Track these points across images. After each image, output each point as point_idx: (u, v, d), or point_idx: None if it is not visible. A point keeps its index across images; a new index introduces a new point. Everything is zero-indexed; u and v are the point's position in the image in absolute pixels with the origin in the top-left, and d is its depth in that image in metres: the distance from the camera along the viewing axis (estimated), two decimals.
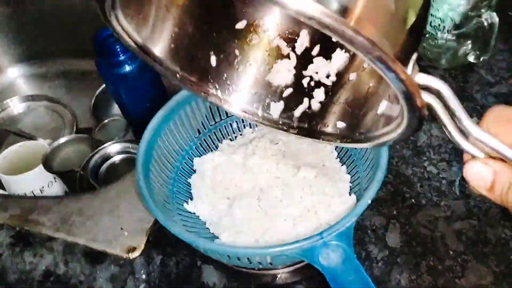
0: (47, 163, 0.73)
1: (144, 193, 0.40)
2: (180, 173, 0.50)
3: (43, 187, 0.73)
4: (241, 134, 0.54)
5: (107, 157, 0.72)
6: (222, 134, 0.54)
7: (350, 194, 0.46)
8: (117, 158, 0.72)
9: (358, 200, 0.44)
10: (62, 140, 0.77)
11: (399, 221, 0.50)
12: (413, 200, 0.52)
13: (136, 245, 0.51)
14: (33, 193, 0.71)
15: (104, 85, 0.88)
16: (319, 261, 0.34)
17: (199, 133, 0.52)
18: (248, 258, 0.38)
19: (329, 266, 0.34)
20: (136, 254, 0.50)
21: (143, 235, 0.52)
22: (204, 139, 0.53)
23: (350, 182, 0.47)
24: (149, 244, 0.51)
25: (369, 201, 0.36)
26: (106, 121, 0.82)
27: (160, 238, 0.51)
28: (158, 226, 0.52)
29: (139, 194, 0.54)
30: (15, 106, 0.93)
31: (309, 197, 0.44)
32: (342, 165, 0.49)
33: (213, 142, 0.53)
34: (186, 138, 0.51)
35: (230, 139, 0.54)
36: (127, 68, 0.65)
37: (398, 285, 0.45)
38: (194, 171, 0.51)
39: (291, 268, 0.45)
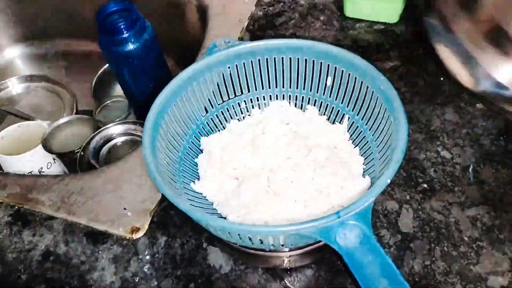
0: (47, 143, 0.71)
1: (152, 169, 0.38)
2: (186, 152, 0.48)
3: (42, 168, 0.71)
4: (249, 115, 0.53)
5: (108, 139, 0.70)
6: (230, 113, 0.52)
7: (363, 176, 0.44)
8: (119, 140, 0.70)
9: (372, 182, 0.43)
10: (62, 120, 0.75)
11: (412, 206, 0.49)
12: (426, 185, 0.50)
13: (140, 226, 0.49)
14: (32, 174, 0.69)
15: (105, 66, 0.86)
16: (336, 240, 0.33)
17: (206, 111, 0.50)
18: (260, 238, 0.36)
19: (346, 246, 0.33)
20: (139, 234, 0.49)
21: (147, 216, 0.50)
22: (211, 118, 0.51)
23: (363, 164, 0.46)
24: (153, 225, 0.49)
25: (388, 181, 0.35)
26: (107, 102, 0.80)
27: (164, 219, 0.50)
28: (162, 206, 0.51)
29: (143, 173, 0.53)
30: (14, 86, 0.91)
31: (321, 179, 0.43)
32: (355, 147, 0.47)
33: (220, 122, 0.52)
34: (193, 116, 0.49)
35: (238, 120, 0.52)
36: (131, 46, 0.63)
37: (411, 271, 0.44)
38: (201, 150, 0.50)
39: (301, 251, 0.43)
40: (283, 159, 0.45)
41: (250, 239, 0.37)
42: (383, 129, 0.43)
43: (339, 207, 0.42)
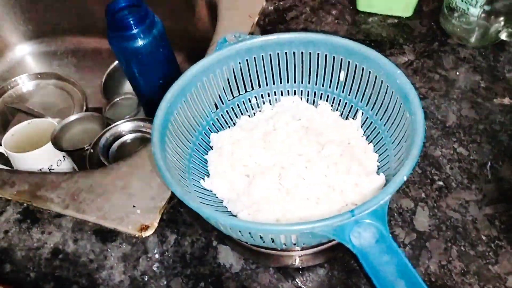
0: (56, 141, 0.71)
1: (161, 165, 0.37)
2: (196, 149, 0.47)
3: (52, 166, 0.71)
4: (260, 111, 0.52)
5: (118, 136, 0.70)
6: (240, 109, 0.51)
7: (378, 173, 0.43)
8: (128, 137, 0.70)
9: (387, 180, 0.42)
10: (72, 118, 0.75)
11: (428, 204, 0.47)
12: (442, 183, 0.49)
13: (149, 224, 0.49)
14: (41, 171, 0.69)
15: (115, 63, 0.85)
16: (350, 240, 0.32)
17: (216, 108, 0.49)
18: (271, 237, 0.35)
19: (361, 246, 0.31)
20: (149, 232, 0.48)
21: (156, 213, 0.49)
22: (221, 115, 0.50)
23: (377, 161, 0.44)
24: (162, 223, 0.49)
25: (405, 178, 0.34)
26: (117, 99, 0.80)
27: (174, 217, 0.49)
28: (172, 204, 0.50)
29: (152, 170, 0.52)
30: (24, 84, 0.91)
31: (334, 176, 0.42)
32: (369, 143, 0.46)
33: (230, 118, 0.51)
34: (203, 113, 0.48)
35: (249, 116, 0.51)
36: (140, 42, 0.62)
37: (427, 271, 0.43)
38: (211, 147, 0.49)
39: (313, 250, 0.42)
40: (295, 156, 0.44)
41: (261, 237, 0.36)
42: (398, 124, 0.42)
43: (353, 205, 0.40)
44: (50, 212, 0.51)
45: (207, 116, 0.49)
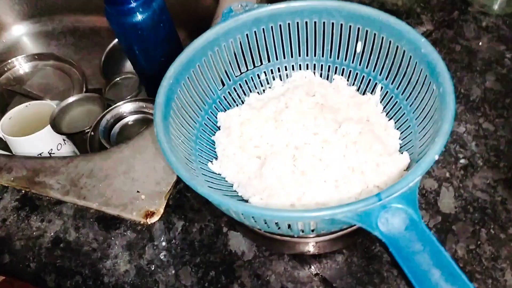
0: (56, 124, 0.68)
1: (165, 148, 0.34)
2: (202, 129, 0.44)
3: (52, 150, 0.68)
4: (270, 87, 0.48)
5: (119, 117, 0.66)
6: (248, 86, 0.47)
7: (401, 152, 0.40)
8: (130, 119, 0.67)
9: (411, 159, 0.38)
10: (71, 99, 0.72)
11: (453, 184, 0.44)
12: (467, 161, 0.45)
13: (155, 210, 0.46)
14: (40, 156, 0.66)
15: (114, 42, 0.81)
16: (377, 226, 0.28)
17: (223, 84, 0.46)
18: (288, 223, 0.32)
19: (390, 232, 0.28)
20: (154, 219, 0.45)
21: (161, 199, 0.46)
22: (228, 92, 0.46)
23: (399, 139, 0.41)
24: (168, 209, 0.46)
25: (436, 157, 0.30)
26: (117, 79, 0.76)
27: (181, 202, 0.46)
28: (178, 188, 0.47)
29: (156, 153, 0.49)
30: (21, 65, 0.88)
31: (354, 156, 0.38)
32: (389, 120, 0.43)
33: (238, 96, 0.47)
34: (209, 90, 0.45)
35: (258, 93, 0.48)
36: (139, 16, 0.58)
37: (455, 256, 0.40)
38: (218, 127, 0.45)
39: (331, 236, 0.39)
40: (310, 135, 0.40)
41: (277, 224, 0.33)
42: (423, 98, 0.38)
43: (374, 187, 0.37)
44: (49, 199, 0.48)
45: (213, 94, 0.45)
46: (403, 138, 0.41)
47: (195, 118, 0.43)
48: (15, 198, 0.49)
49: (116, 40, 0.80)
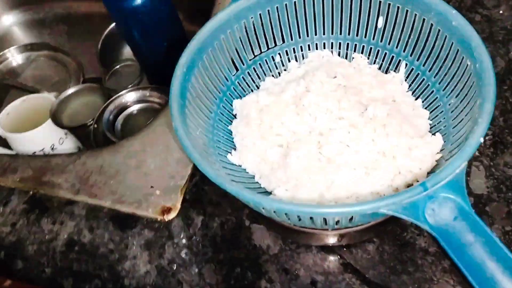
0: (56, 117, 0.65)
1: (187, 144, 0.32)
2: (218, 119, 0.41)
3: (53, 145, 0.65)
4: (285, 69, 0.45)
5: (123, 108, 0.64)
6: (263, 70, 0.45)
7: (433, 133, 0.37)
8: (134, 108, 0.64)
9: (444, 141, 0.36)
10: (70, 91, 0.69)
11: (483, 163, 0.42)
12: (496, 138, 0.43)
13: (171, 205, 0.43)
14: (44, 152, 0.63)
15: (110, 27, 0.77)
16: (425, 219, 0.26)
17: (237, 69, 0.43)
18: (324, 218, 0.30)
19: (438, 224, 0.26)
20: (172, 215, 0.43)
21: (177, 193, 0.44)
22: (242, 77, 0.44)
23: (429, 119, 0.39)
24: (186, 204, 0.44)
25: (482, 140, 0.28)
26: (117, 67, 0.73)
27: (198, 196, 0.44)
28: (194, 182, 0.45)
29: (168, 145, 0.47)
30: (14, 57, 0.84)
31: (384, 140, 0.36)
32: (416, 99, 0.40)
33: (253, 80, 0.44)
34: (222, 76, 0.42)
35: (274, 76, 0.45)
36: (138, 0, 0.55)
37: None
38: (234, 116, 0.43)
39: (360, 227, 0.37)
40: (335, 120, 0.38)
41: (311, 219, 0.31)
42: (454, 74, 0.36)
43: (408, 172, 0.35)
44: (59, 199, 0.46)
45: (227, 80, 0.42)
46: (433, 119, 0.39)
47: (210, 107, 0.40)
48: (23, 200, 0.47)
49: (112, 25, 0.76)
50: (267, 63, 0.44)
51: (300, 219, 0.31)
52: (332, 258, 0.39)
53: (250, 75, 0.44)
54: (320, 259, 0.39)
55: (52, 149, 0.65)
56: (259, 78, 0.45)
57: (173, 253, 0.41)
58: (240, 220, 0.42)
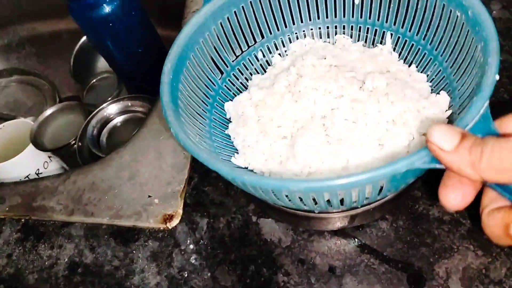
0: (37, 141, 0.63)
1: (192, 148, 0.30)
2: (213, 125, 0.39)
3: (38, 170, 0.63)
4: (269, 65, 0.44)
5: (106, 121, 0.62)
6: (248, 70, 0.43)
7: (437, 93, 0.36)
8: (117, 120, 0.62)
9: (451, 97, 0.35)
10: (48, 112, 0.66)
11: None
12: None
13: (173, 212, 0.42)
14: (29, 179, 0.61)
15: (80, 42, 0.75)
16: None
17: (222, 73, 0.41)
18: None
19: None
20: (175, 222, 0.41)
21: (177, 199, 0.42)
22: (229, 80, 0.42)
23: (428, 81, 0.38)
24: (188, 208, 0.42)
25: (497, 77, 0.27)
26: (93, 81, 0.71)
27: (199, 199, 0.42)
28: (193, 185, 0.43)
29: (159, 152, 0.45)
30: None
31: (390, 108, 0.35)
32: (409, 66, 0.39)
33: (241, 82, 0.43)
34: (209, 81, 0.40)
35: (260, 73, 0.44)
36: (107, 9, 0.54)
37: None
38: (229, 120, 0.41)
39: (370, 206, 0.36)
40: (335, 99, 0.37)
41: (341, 200, 0.29)
42: (445, 31, 0.35)
43: (422, 136, 0.34)
44: (54, 222, 0.44)
45: (214, 84, 0.41)
46: (431, 80, 0.38)
47: (203, 114, 0.38)
48: (16, 229, 0.44)
49: (82, 40, 0.74)
50: (251, 62, 0.43)
51: (321, 201, 0.29)
52: (346, 241, 0.38)
53: (236, 77, 0.42)
54: (334, 244, 0.38)
55: (38, 174, 0.63)
56: (246, 79, 0.43)
57: (182, 260, 0.39)
58: (247, 217, 0.41)
